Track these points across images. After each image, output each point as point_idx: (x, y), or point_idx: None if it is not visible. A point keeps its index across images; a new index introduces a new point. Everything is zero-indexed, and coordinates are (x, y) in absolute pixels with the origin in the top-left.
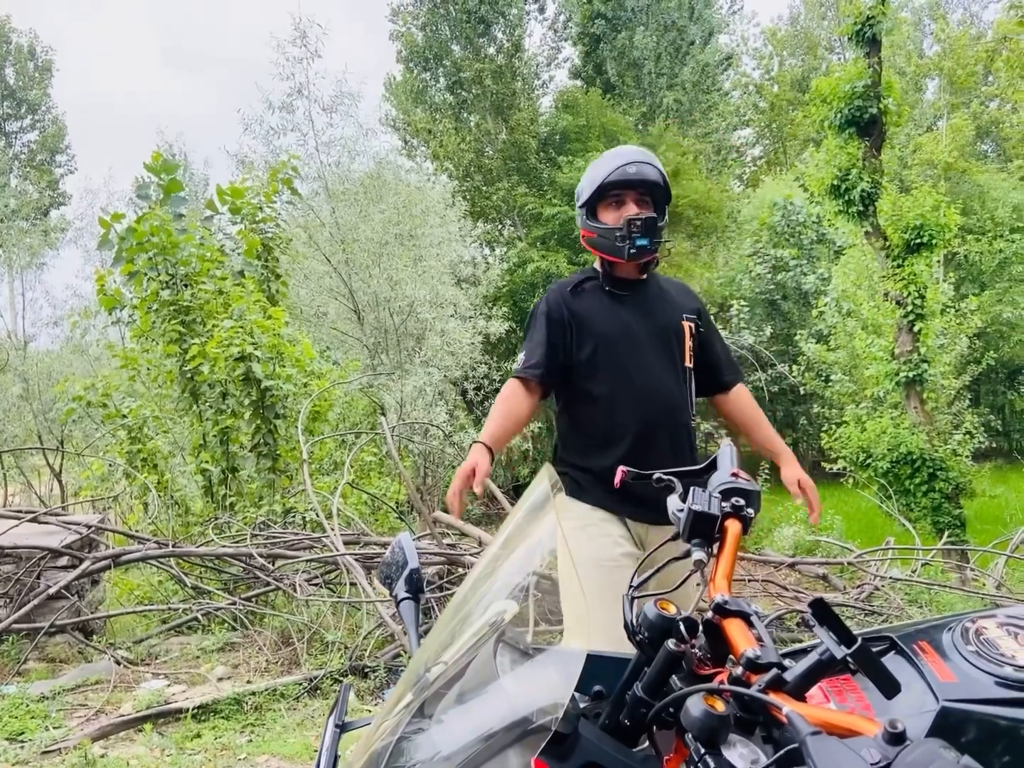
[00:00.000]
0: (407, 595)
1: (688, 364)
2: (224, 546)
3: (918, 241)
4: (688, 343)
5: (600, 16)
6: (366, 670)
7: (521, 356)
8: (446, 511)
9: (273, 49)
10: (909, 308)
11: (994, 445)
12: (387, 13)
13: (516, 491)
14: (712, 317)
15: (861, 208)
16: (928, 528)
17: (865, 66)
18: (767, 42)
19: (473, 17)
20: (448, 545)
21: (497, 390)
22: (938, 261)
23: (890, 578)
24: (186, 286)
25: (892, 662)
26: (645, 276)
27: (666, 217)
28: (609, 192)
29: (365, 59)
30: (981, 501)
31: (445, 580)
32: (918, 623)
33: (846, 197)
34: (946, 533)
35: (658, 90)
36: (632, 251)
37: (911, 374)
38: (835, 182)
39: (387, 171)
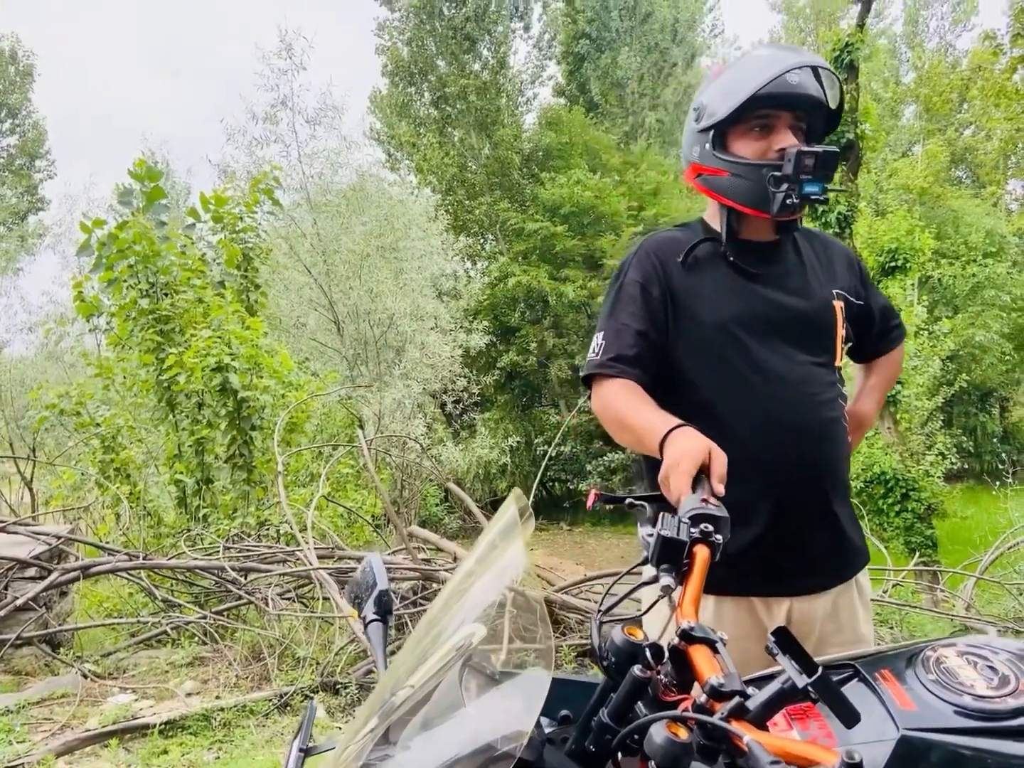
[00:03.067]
0: (375, 617)
1: (839, 363)
2: (196, 559)
3: (893, 264)
4: (840, 332)
5: (585, 36)
6: (337, 686)
7: (599, 339)
8: (423, 525)
9: (259, 60)
10: None
11: (966, 466)
12: (373, 27)
13: (493, 505)
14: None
15: (837, 230)
16: (900, 548)
17: (843, 91)
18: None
19: (459, 34)
20: (423, 560)
21: (477, 403)
22: (912, 284)
23: None
24: (165, 295)
25: (854, 689)
26: (778, 237)
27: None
28: (756, 111)
29: (350, 72)
30: (952, 522)
31: (419, 596)
32: (881, 651)
33: (823, 219)
34: (918, 553)
35: (641, 110)
36: (792, 201)
37: (886, 395)
38: None
39: (370, 184)
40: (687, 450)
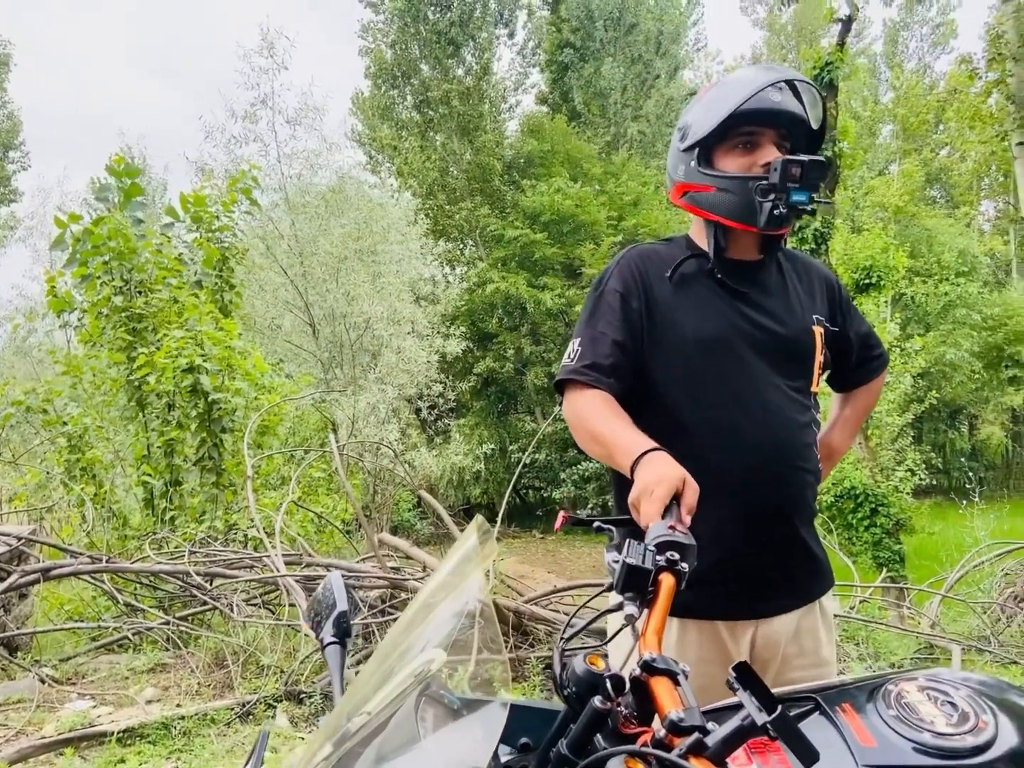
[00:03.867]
0: (333, 639)
1: (815, 388)
2: (160, 563)
3: (867, 281)
4: (818, 359)
5: (569, 45)
6: (302, 696)
7: (575, 345)
8: (395, 531)
9: (240, 59)
10: None
11: (934, 482)
12: (357, 29)
13: (467, 513)
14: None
15: (814, 246)
16: (869, 562)
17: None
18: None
19: (443, 38)
20: (392, 568)
21: (452, 409)
22: (886, 301)
23: None
24: (139, 293)
25: (815, 723)
26: (762, 256)
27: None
28: (740, 128)
29: (334, 74)
30: (920, 537)
31: (388, 604)
32: (844, 683)
33: (800, 235)
34: (885, 568)
35: (623, 120)
36: (779, 212)
37: None
38: None
39: (349, 186)
40: (663, 477)
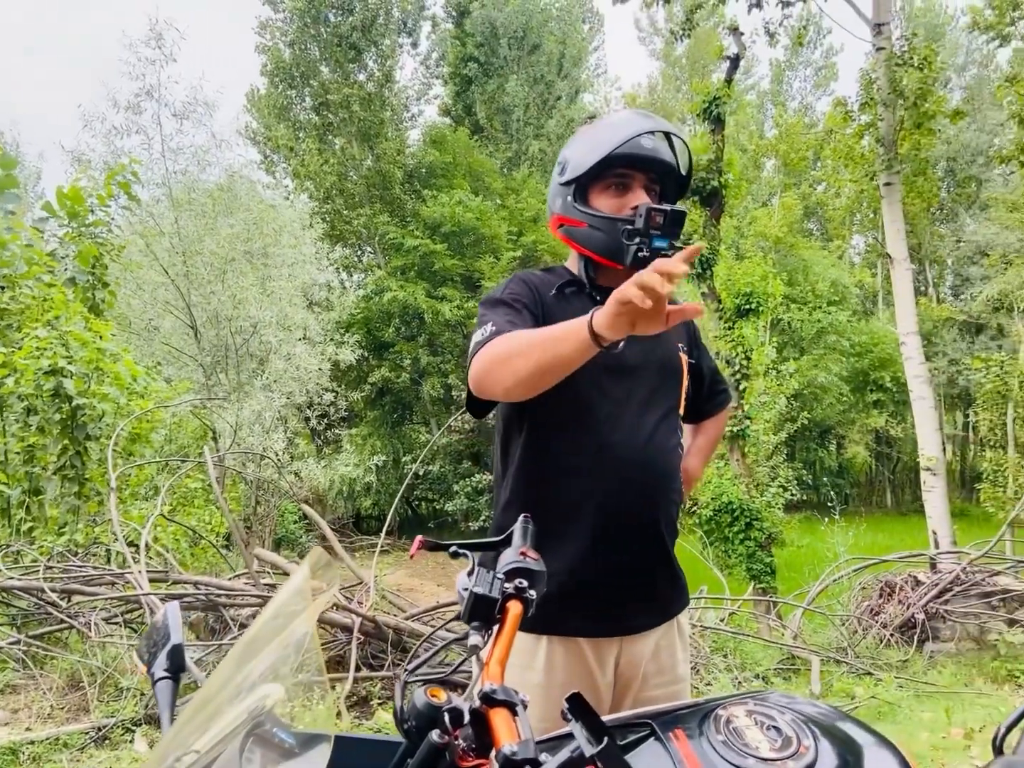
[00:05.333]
0: (165, 674)
1: (681, 411)
2: (12, 577)
3: (747, 306)
4: (684, 384)
5: (473, 60)
6: None
7: (488, 327)
8: (278, 544)
9: (125, 48)
10: (736, 368)
11: (804, 498)
12: (255, 25)
13: (356, 524)
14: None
15: (700, 271)
16: (743, 574)
17: (710, 141)
18: (627, 106)
19: (344, 42)
20: (267, 585)
21: (345, 418)
22: (764, 326)
23: (700, 626)
24: (2, 288)
25: (648, 750)
26: None
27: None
28: (614, 169)
29: (227, 67)
30: (790, 550)
31: None
32: (679, 707)
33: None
34: (757, 580)
35: (524, 138)
36: (643, 255)
37: (735, 429)
38: None
39: (240, 185)
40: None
